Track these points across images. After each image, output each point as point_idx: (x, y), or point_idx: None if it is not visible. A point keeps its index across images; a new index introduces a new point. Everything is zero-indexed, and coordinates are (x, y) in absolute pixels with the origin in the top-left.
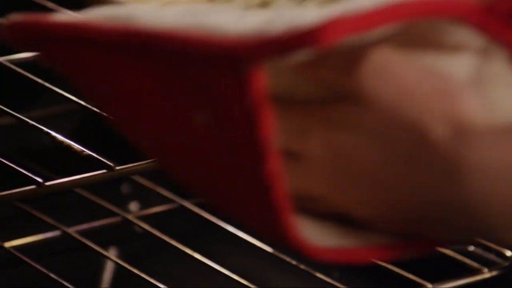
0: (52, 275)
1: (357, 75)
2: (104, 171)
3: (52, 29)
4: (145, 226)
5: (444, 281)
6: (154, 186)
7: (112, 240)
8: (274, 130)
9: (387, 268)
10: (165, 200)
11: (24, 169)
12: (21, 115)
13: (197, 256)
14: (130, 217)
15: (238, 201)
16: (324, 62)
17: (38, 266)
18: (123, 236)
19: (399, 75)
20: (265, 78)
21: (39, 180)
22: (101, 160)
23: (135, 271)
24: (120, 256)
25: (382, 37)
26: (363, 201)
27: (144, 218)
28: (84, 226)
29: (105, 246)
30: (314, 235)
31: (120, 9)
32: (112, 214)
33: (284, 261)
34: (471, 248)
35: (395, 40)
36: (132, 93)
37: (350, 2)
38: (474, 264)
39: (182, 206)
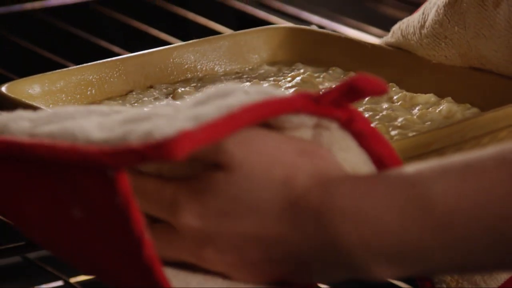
0: None
1: (226, 148)
2: None
3: None
4: None
5: None
6: None
7: None
8: (144, 220)
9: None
10: None
11: None
12: None
13: None
14: None
15: (120, 278)
16: None
17: None
18: None
19: (265, 143)
20: (129, 179)
21: None
22: None
23: None
24: None
25: None
26: (244, 265)
27: None
28: None
29: None
30: None
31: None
32: None
33: None
34: None
35: None
36: (14, 196)
37: (198, 108)
38: None
39: None
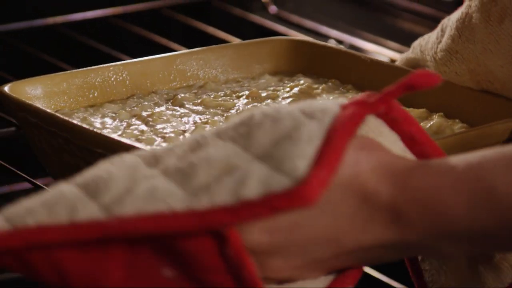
0: None
1: None
2: None
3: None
4: None
5: None
6: None
7: None
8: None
9: (372, 276)
10: None
11: None
12: None
13: None
14: None
15: None
16: None
17: None
18: None
19: None
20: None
21: None
22: None
23: None
24: None
25: None
26: (309, 264)
27: None
28: None
29: None
30: None
31: (59, 196)
32: None
33: None
34: None
35: None
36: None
37: (282, 146)
38: None
39: None
